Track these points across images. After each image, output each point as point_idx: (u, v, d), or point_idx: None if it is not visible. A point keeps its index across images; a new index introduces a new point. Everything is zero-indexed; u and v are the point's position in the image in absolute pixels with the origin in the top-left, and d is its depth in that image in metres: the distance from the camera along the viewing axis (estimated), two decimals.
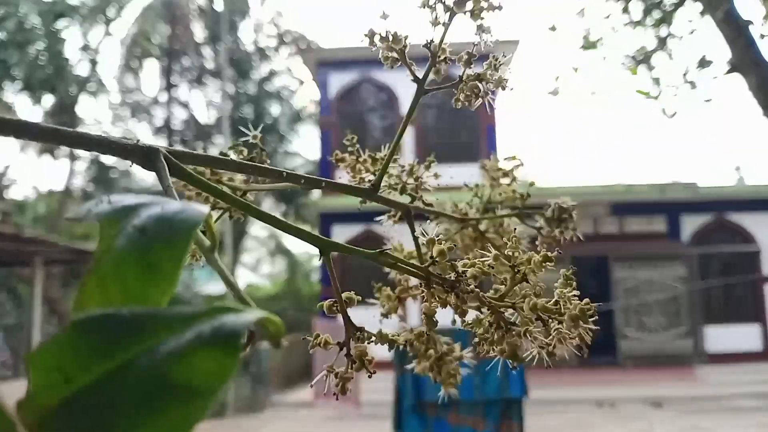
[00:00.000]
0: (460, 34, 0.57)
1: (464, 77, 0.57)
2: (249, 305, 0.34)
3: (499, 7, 0.57)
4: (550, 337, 0.46)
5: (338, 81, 15.38)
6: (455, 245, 0.70)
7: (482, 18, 0.57)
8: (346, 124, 15.37)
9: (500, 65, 0.57)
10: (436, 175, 0.63)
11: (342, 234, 14.30)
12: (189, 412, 0.24)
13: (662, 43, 6.02)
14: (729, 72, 4.68)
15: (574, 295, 0.47)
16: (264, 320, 0.25)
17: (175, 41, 18.83)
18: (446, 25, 0.57)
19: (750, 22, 4.51)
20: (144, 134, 20.32)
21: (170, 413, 0.24)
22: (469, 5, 0.56)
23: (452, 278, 0.45)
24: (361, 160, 0.60)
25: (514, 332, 0.46)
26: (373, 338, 0.49)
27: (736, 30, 4.44)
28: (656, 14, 5.95)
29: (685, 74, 5.55)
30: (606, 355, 13.21)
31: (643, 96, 5.80)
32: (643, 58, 6.16)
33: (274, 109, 20.81)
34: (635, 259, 13.92)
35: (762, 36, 4.49)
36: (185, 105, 20.19)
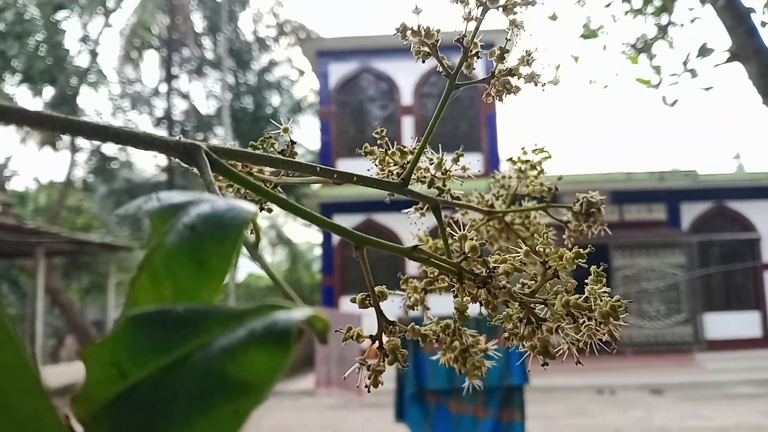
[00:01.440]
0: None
1: (496, 72, 0.58)
2: (295, 302, 0.35)
3: (533, 2, 0.57)
4: (581, 333, 0.47)
5: (338, 71, 15.34)
6: (482, 238, 0.71)
7: (515, 13, 0.57)
8: (346, 114, 15.35)
9: (533, 60, 0.57)
10: (464, 168, 0.63)
11: (343, 223, 14.10)
12: (242, 407, 0.25)
13: (663, 31, 6.01)
14: (729, 60, 4.68)
15: (605, 291, 0.49)
16: (312, 318, 0.26)
17: (174, 32, 18.76)
18: (478, 20, 0.57)
19: (751, 10, 4.51)
20: (145, 125, 20.33)
21: (224, 408, 0.24)
22: (503, 0, 0.56)
23: (484, 274, 0.46)
24: (389, 153, 0.61)
25: (544, 328, 0.48)
26: (406, 332, 0.50)
27: (736, 18, 4.44)
28: (657, 2, 5.94)
29: (685, 62, 5.54)
30: (606, 343, 13.24)
31: (643, 84, 5.80)
32: (643, 47, 6.15)
33: (274, 99, 20.77)
34: (635, 247, 13.95)
35: (763, 24, 4.48)
36: (185, 96, 20.14)
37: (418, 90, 14.95)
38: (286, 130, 0.60)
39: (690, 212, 14.51)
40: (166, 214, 0.32)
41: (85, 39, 17.79)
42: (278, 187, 0.58)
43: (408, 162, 0.58)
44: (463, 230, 0.49)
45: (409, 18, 0.57)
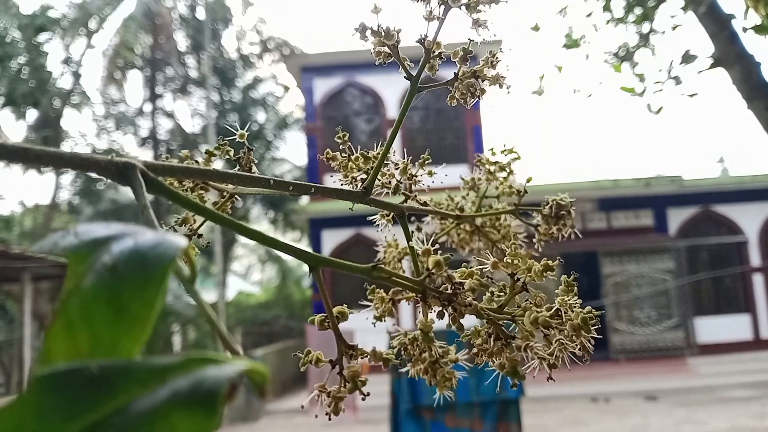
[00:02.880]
0: (452, 33, 0.55)
1: (460, 74, 0.55)
2: (233, 348, 0.31)
3: (497, 1, 0.54)
4: (551, 348, 0.44)
5: (323, 86, 15.37)
6: (452, 241, 0.68)
7: (479, 12, 0.54)
8: (332, 128, 15.36)
9: (497, 62, 0.55)
10: (430, 173, 0.61)
11: (332, 238, 14.27)
12: None
13: (645, 39, 6.05)
14: (712, 66, 4.71)
15: (575, 302, 0.46)
16: (249, 372, 0.23)
17: (157, 51, 18.74)
18: (441, 20, 0.54)
19: (732, 16, 4.54)
20: (129, 145, 20.23)
21: None
22: None
23: (449, 291, 0.44)
24: (353, 158, 0.58)
25: (513, 345, 0.45)
26: (367, 356, 0.47)
27: (718, 24, 4.47)
28: (638, 11, 5.98)
29: (669, 70, 5.57)
30: (598, 350, 13.21)
31: (627, 93, 5.82)
32: (626, 55, 6.19)
33: (260, 115, 20.75)
34: (624, 254, 14.00)
35: (744, 29, 4.51)
36: (170, 115, 20.09)
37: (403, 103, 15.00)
38: (242, 137, 0.56)
39: (677, 217, 14.59)
40: (84, 252, 0.29)
41: (67, 61, 17.72)
42: (235, 197, 0.54)
43: (372, 168, 0.55)
44: (428, 243, 0.45)
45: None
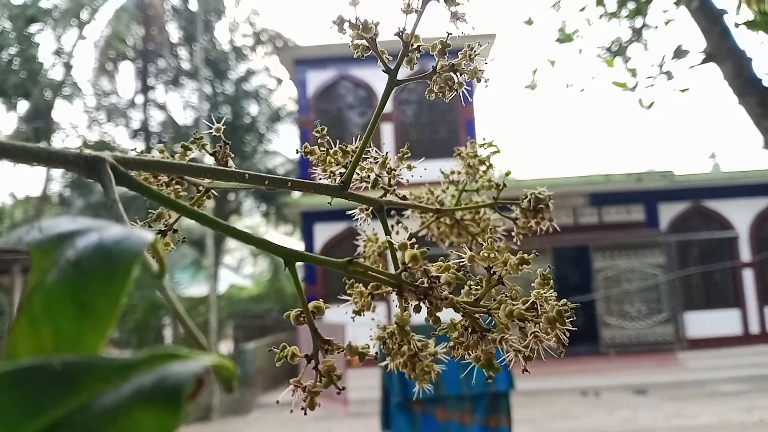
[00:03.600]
0: (435, 28, 0.55)
1: (438, 68, 0.55)
2: (200, 343, 0.31)
3: None
4: (527, 341, 0.44)
5: (316, 79, 15.33)
6: (432, 234, 0.68)
7: (457, 4, 0.54)
8: (325, 121, 15.21)
9: (475, 55, 0.55)
10: (410, 167, 0.60)
11: (324, 232, 14.26)
12: None
13: (637, 34, 6.06)
14: (704, 61, 4.72)
15: (551, 295, 0.46)
16: (214, 367, 0.23)
17: (149, 42, 18.62)
18: (419, 13, 0.54)
19: (724, 12, 4.55)
20: (121, 137, 20.11)
21: None
22: None
23: (425, 285, 0.43)
24: (331, 152, 0.57)
25: (489, 338, 0.45)
26: (343, 350, 0.47)
27: (710, 19, 4.47)
28: (631, 5, 5.99)
29: (661, 65, 5.58)
30: (588, 344, 13.33)
31: (619, 88, 5.83)
32: (618, 50, 6.20)
33: (253, 108, 20.66)
34: (615, 249, 14.06)
35: (736, 25, 4.52)
36: (162, 107, 19.98)
37: (396, 97, 14.98)
38: (218, 130, 0.55)
39: (668, 212, 14.66)
40: (48, 247, 0.28)
41: (59, 52, 17.59)
42: (211, 192, 0.53)
43: (350, 162, 0.54)
44: (405, 237, 0.45)
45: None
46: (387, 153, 0.57)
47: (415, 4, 0.53)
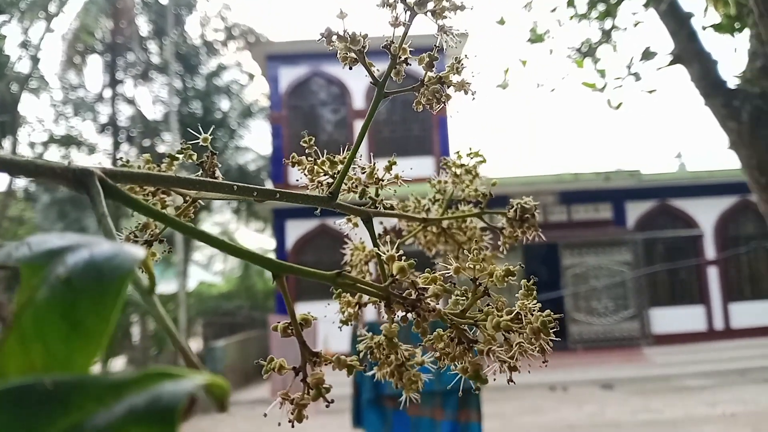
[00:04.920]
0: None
1: (426, 80, 0.55)
2: (193, 361, 0.31)
3: (462, 7, 0.54)
4: (512, 352, 0.45)
5: (288, 75, 15.23)
6: (419, 243, 0.69)
7: (445, 18, 0.54)
8: (297, 118, 15.25)
9: (463, 68, 0.55)
10: (397, 177, 0.60)
11: (296, 229, 14.19)
12: None
13: (607, 35, 6.14)
14: (672, 63, 4.80)
15: (535, 305, 0.47)
16: (208, 386, 0.23)
17: (118, 36, 18.29)
18: (407, 26, 0.54)
19: (692, 14, 4.63)
20: (88, 132, 19.75)
21: None
22: (431, 4, 0.54)
23: (413, 297, 0.44)
24: (319, 162, 0.57)
25: (475, 349, 0.46)
26: (331, 363, 0.47)
27: (678, 22, 4.55)
28: (601, 7, 6.06)
29: (629, 66, 5.67)
30: (556, 340, 13.51)
31: (589, 88, 5.91)
32: (588, 51, 6.27)
33: (224, 104, 20.46)
34: (583, 246, 14.26)
35: (703, 28, 4.61)
36: (131, 101, 19.64)
37: (370, 94, 14.94)
38: (206, 140, 0.55)
39: (635, 211, 14.92)
40: (38, 263, 0.28)
41: (25, 44, 17.15)
42: (198, 202, 0.53)
43: (338, 172, 0.55)
44: (393, 248, 0.46)
45: (349, 22, 0.54)
46: (375, 163, 0.58)
47: (402, 18, 0.54)
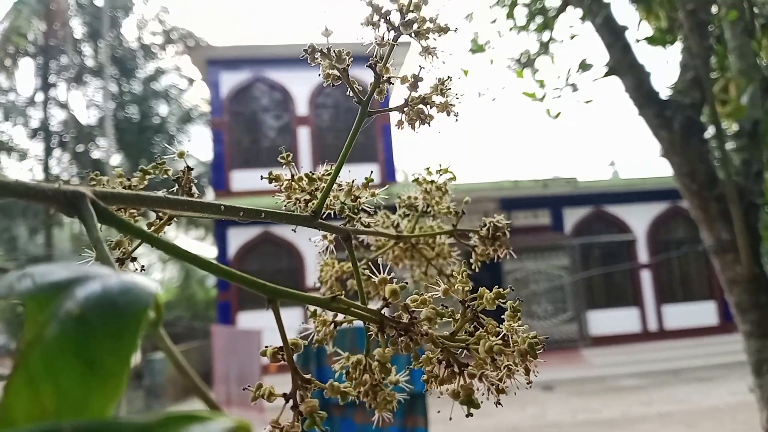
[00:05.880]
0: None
1: (410, 100, 0.55)
2: (214, 404, 0.30)
3: (446, 29, 0.55)
4: (500, 373, 0.46)
5: (230, 80, 15.01)
6: (386, 257, 0.69)
7: (428, 39, 0.54)
8: (239, 124, 15.04)
9: (447, 89, 0.55)
10: (373, 194, 0.60)
11: (239, 236, 13.97)
12: None
13: (545, 47, 6.30)
14: (607, 74, 4.96)
15: (521, 327, 0.48)
16: (235, 430, 0.21)
17: (51, 38, 17.65)
18: (391, 45, 0.54)
19: (626, 28, 4.81)
20: (19, 137, 18.94)
21: None
22: (416, 26, 0.54)
23: (406, 321, 0.44)
24: (296, 179, 0.57)
25: (467, 374, 0.46)
26: (324, 388, 0.47)
27: (613, 35, 4.71)
28: (539, 20, 6.22)
29: (567, 77, 5.83)
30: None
31: (529, 98, 6.05)
32: (527, 62, 6.42)
33: (162, 108, 20.01)
34: (523, 251, 14.56)
35: (637, 40, 4.80)
36: (64, 105, 18.98)
37: (313, 100, 14.89)
38: (181, 155, 0.55)
39: (572, 217, 15.36)
40: (43, 297, 0.25)
41: None
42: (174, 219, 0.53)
43: (316, 189, 0.55)
44: (383, 272, 0.46)
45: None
46: (353, 180, 0.58)
47: (387, 38, 0.54)
